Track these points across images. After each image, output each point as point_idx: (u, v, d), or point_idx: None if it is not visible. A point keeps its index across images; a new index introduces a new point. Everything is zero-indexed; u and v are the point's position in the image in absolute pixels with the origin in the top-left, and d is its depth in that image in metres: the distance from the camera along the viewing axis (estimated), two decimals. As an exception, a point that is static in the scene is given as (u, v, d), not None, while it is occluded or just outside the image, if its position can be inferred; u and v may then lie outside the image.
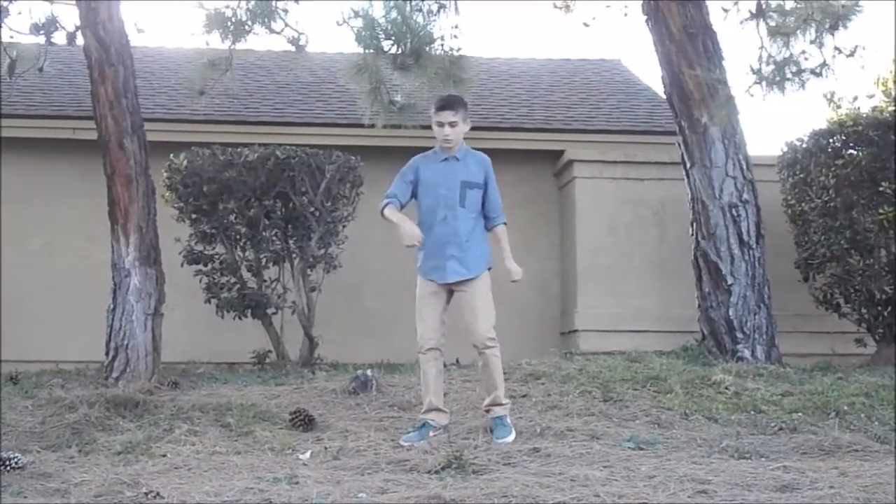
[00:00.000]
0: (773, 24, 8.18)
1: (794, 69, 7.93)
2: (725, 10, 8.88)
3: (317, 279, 9.13)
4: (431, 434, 5.56)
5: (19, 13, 8.67)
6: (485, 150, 5.99)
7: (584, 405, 6.32)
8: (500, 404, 5.69)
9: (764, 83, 7.88)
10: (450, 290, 5.68)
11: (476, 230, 5.74)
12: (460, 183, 5.69)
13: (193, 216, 8.90)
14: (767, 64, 7.99)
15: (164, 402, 6.51)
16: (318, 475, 4.63)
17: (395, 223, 5.61)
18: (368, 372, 6.98)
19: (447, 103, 5.77)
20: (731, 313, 8.25)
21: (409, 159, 5.88)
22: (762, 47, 8.18)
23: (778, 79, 7.88)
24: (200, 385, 7.57)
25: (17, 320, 9.85)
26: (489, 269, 5.75)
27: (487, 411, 5.72)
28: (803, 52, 7.97)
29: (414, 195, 5.79)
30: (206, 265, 8.93)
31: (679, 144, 8.69)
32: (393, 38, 8.11)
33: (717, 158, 8.40)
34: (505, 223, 5.88)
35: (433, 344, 5.64)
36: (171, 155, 8.97)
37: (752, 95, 7.93)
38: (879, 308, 8.62)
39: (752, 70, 7.95)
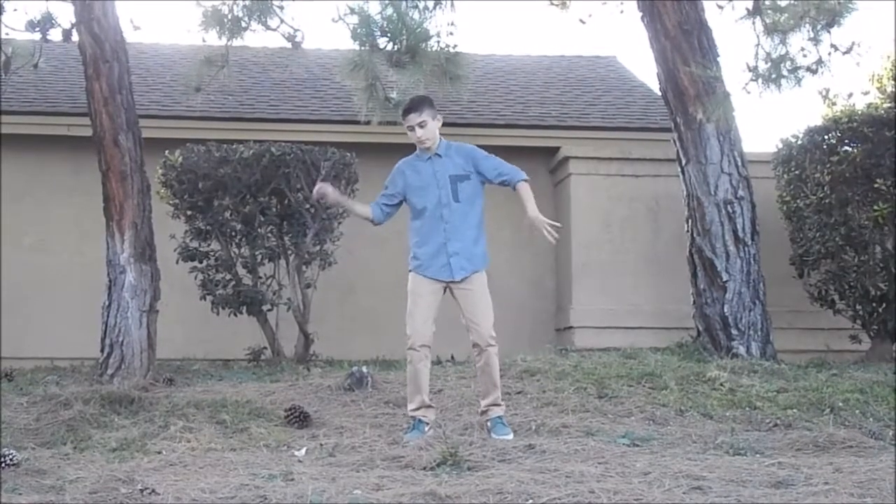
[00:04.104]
0: (769, 21, 8.18)
1: (790, 66, 7.94)
2: (720, 7, 8.88)
3: (312, 276, 9.14)
4: (427, 430, 5.56)
5: (15, 10, 8.69)
6: (480, 147, 5.97)
7: (579, 402, 6.33)
8: (499, 405, 5.68)
9: (760, 80, 7.88)
10: (447, 288, 5.66)
11: (475, 223, 5.70)
12: (449, 178, 5.66)
13: (188, 213, 8.89)
14: (764, 61, 7.99)
15: (159, 399, 6.50)
16: (313, 472, 4.63)
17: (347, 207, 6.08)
18: (364, 368, 6.99)
19: (410, 106, 5.74)
20: (726, 310, 8.26)
21: (403, 158, 5.88)
22: (758, 44, 8.18)
23: (774, 76, 7.88)
24: (195, 382, 7.57)
25: (12, 317, 9.83)
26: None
27: (485, 412, 5.68)
28: (802, 49, 7.98)
29: (403, 201, 5.78)
30: (201, 262, 8.93)
31: (674, 141, 8.70)
32: (389, 34, 8.12)
33: (712, 155, 8.41)
34: (525, 179, 5.75)
35: (426, 341, 5.57)
36: (167, 151, 8.96)
37: (748, 93, 7.94)
38: (874, 304, 8.63)
39: (749, 67, 7.95)
